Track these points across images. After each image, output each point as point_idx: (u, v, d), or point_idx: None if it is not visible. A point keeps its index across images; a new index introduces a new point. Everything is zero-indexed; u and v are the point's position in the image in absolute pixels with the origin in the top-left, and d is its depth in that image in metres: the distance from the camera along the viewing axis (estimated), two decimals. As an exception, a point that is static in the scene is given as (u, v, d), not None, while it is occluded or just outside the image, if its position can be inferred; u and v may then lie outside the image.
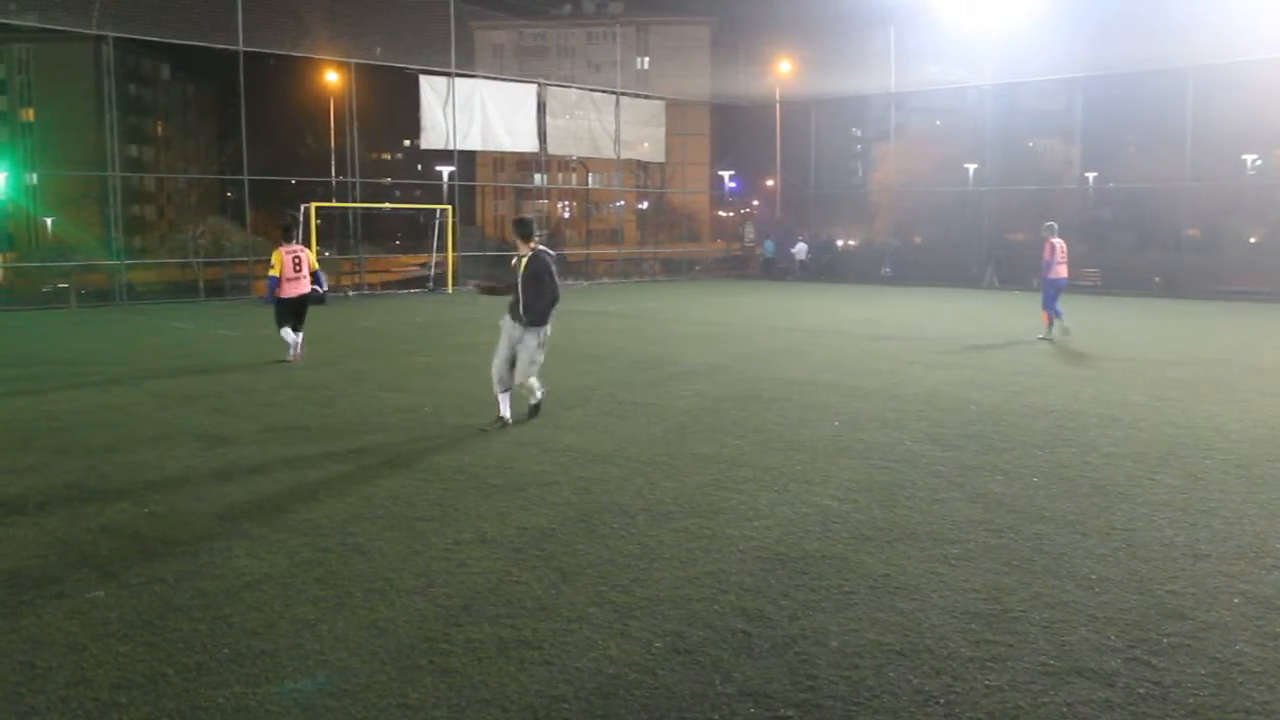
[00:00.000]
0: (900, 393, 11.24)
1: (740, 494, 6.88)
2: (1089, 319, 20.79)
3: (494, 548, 5.71)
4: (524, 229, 9.02)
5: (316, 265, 14.42)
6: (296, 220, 22.83)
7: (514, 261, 8.92)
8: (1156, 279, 30.10)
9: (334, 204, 31.86)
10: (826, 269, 38.54)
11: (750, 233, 45.43)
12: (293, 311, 14.05)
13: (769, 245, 40.88)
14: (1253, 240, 34.04)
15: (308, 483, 7.22)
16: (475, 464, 7.69)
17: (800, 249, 39.19)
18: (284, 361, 13.91)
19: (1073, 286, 28.26)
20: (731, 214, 57.05)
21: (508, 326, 8.97)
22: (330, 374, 12.79)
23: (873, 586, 5.12)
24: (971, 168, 39.82)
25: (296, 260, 13.99)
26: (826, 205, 42.37)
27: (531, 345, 8.91)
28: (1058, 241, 17.26)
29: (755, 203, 54.27)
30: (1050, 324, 17.19)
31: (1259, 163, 37.48)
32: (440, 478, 7.32)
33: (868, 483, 7.20)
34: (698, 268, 42.15)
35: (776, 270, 39.41)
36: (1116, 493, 6.98)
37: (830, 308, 24.30)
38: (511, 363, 9.00)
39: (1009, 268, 30.67)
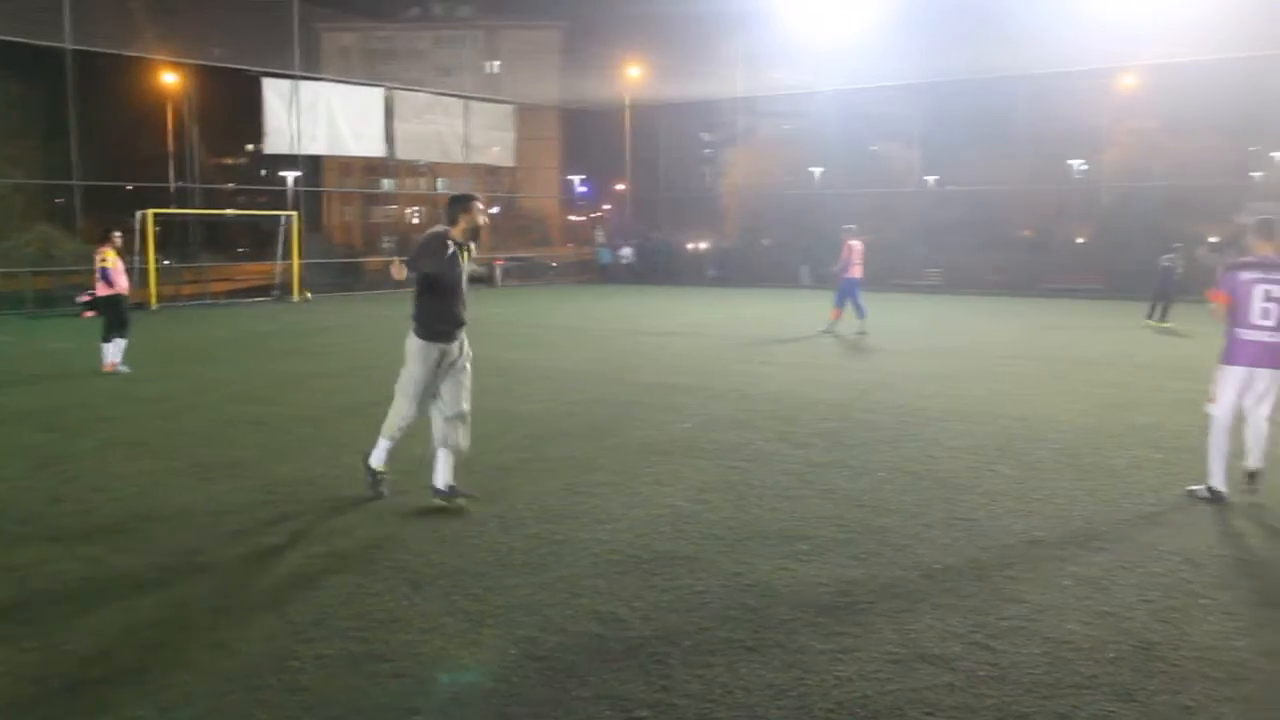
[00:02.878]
0: (751, 392, 11.37)
1: (593, 498, 6.85)
2: (929, 316, 21.64)
3: (345, 560, 5.57)
4: (460, 207, 6.57)
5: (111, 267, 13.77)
6: (126, 226, 21.83)
7: (449, 252, 6.43)
8: (995, 277, 31.44)
9: (173, 210, 30.70)
10: (655, 271, 38.99)
11: (601, 236, 45.64)
12: (121, 317, 13.53)
13: (604, 252, 41.50)
14: (1080, 240, 35.82)
15: (148, 500, 6.89)
16: (324, 476, 7.49)
17: (626, 252, 39.74)
18: (113, 373, 13.28)
19: (915, 286, 29.03)
20: (583, 218, 57.06)
21: (432, 353, 6.51)
22: (173, 385, 12.26)
23: (724, 585, 5.16)
24: (817, 171, 40.71)
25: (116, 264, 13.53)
26: (676, 208, 42.87)
27: (469, 373, 6.74)
28: (855, 243, 18.06)
29: (606, 206, 54.36)
30: (837, 319, 18.10)
31: (1084, 167, 39.45)
32: (289, 492, 7.08)
33: (719, 482, 7.23)
34: (552, 270, 42.05)
35: (613, 273, 39.90)
36: (958, 484, 7.23)
37: (668, 310, 24.75)
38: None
39: (823, 266, 31.81)
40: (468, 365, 6.66)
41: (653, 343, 17.04)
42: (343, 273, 34.11)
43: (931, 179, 41.49)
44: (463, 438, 6.60)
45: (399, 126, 34.36)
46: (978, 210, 34.07)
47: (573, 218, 58.40)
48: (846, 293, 18.02)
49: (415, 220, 61.42)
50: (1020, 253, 33.17)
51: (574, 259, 45.40)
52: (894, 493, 6.97)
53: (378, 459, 6.80)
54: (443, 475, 6.59)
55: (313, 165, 38.09)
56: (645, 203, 43.53)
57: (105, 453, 8.45)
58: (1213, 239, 30.39)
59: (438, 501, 6.56)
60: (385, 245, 49.15)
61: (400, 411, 6.59)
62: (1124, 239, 30.13)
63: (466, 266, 6.56)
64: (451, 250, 6.42)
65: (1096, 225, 35.31)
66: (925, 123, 39.30)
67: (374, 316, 23.11)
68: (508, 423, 9.47)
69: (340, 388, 11.99)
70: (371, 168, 52.15)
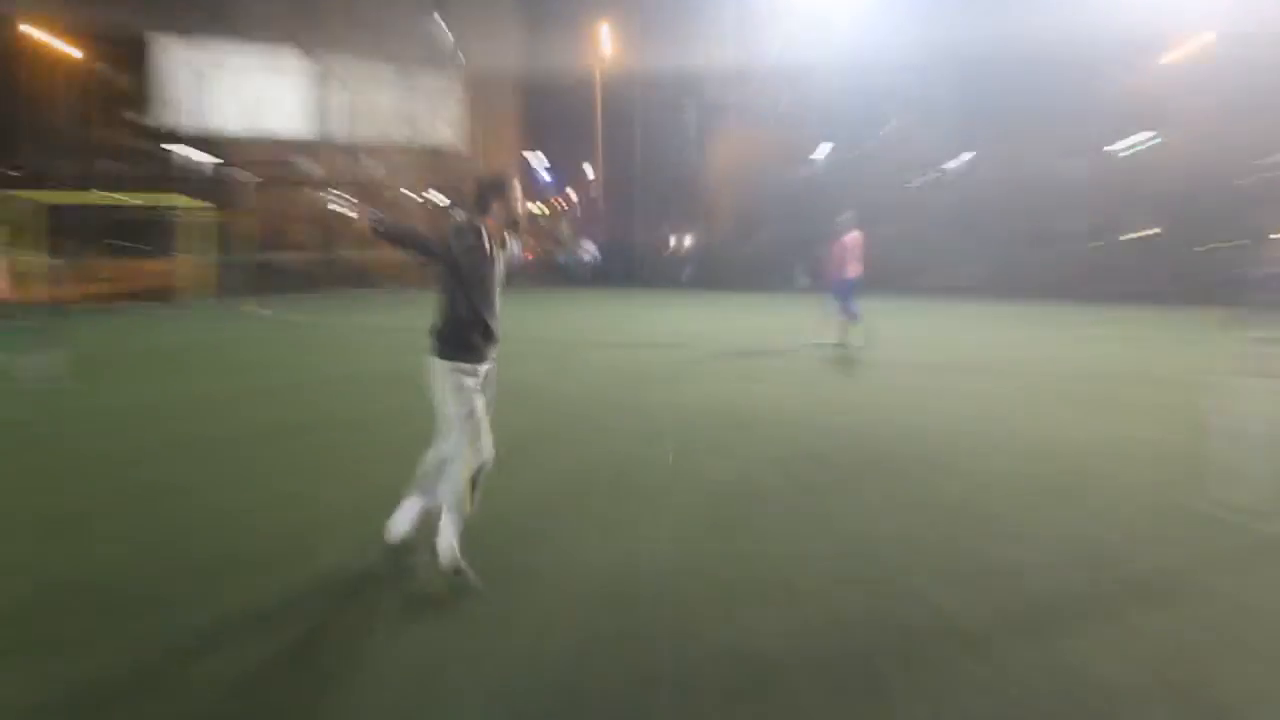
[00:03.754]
0: (743, 416, 11.09)
1: (554, 543, 6.53)
2: (964, 324, 21.42)
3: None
4: (495, 192, 6.02)
5: None
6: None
7: (486, 248, 5.89)
8: (1044, 276, 31.36)
9: (46, 195, 29.97)
10: (626, 273, 38.89)
11: (566, 231, 45.22)
12: None
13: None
14: (1146, 234, 35.79)
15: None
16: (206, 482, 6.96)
17: (589, 250, 39.49)
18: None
19: (947, 289, 28.70)
20: (547, 211, 56.72)
21: (466, 377, 5.93)
22: (37, 412, 11.67)
23: (713, 658, 4.84)
24: (823, 152, 40.47)
25: None
26: (656, 198, 42.61)
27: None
28: (852, 236, 17.75)
29: (574, 198, 53.92)
30: (847, 330, 17.80)
31: (1149, 147, 39.27)
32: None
33: (706, 522, 7.05)
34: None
35: (574, 274, 39.66)
36: (999, 529, 6.84)
37: (637, 319, 24.96)
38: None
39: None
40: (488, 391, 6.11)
41: (621, 358, 16.76)
42: (258, 272, 33.52)
43: (960, 161, 41.18)
44: (467, 496, 5.94)
45: (329, 100, 33.86)
46: (1022, 198, 33.77)
47: (535, 210, 57.99)
48: (846, 293, 17.78)
49: (354, 216, 61.00)
50: (1074, 247, 32.81)
51: (533, 258, 44.91)
52: (920, 540, 6.65)
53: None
54: (448, 539, 5.90)
55: (224, 146, 37.50)
56: (620, 192, 43.23)
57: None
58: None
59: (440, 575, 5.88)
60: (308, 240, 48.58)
61: (467, 462, 5.83)
62: (1198, 232, 29.79)
63: (501, 268, 6.02)
64: (489, 247, 5.85)
65: (1166, 216, 35.17)
66: (955, 95, 38.90)
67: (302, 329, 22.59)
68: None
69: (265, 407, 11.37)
70: (297, 149, 51.34)
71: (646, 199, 42.33)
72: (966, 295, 31.30)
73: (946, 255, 33.64)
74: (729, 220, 41.98)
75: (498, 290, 5.97)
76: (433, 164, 42.60)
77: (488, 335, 5.94)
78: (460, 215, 5.87)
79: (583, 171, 50.60)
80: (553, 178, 53.92)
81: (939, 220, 34.89)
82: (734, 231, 40.96)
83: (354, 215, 5.54)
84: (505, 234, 6.03)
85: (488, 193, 5.94)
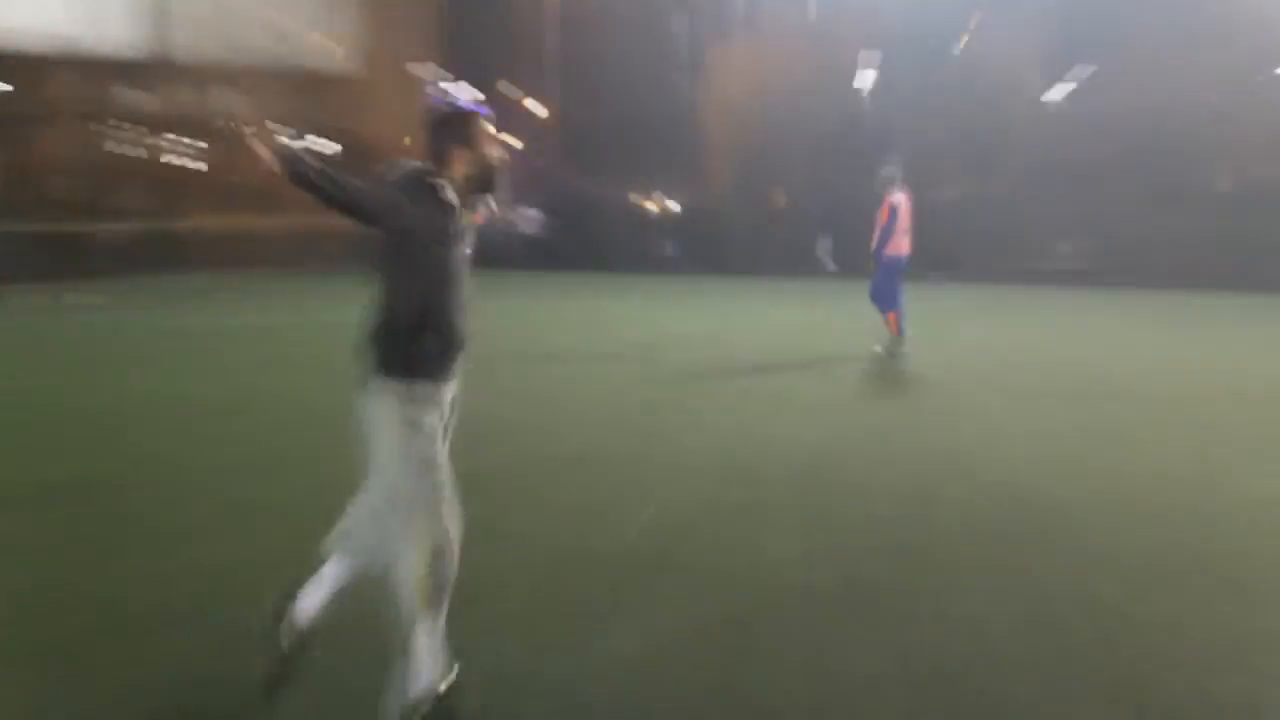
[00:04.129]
0: (755, 464, 10.96)
1: (478, 653, 6.00)
2: (1063, 325, 21.24)
3: None
4: (457, 134, 5.66)
5: None
6: None
7: (449, 210, 5.49)
8: (1176, 258, 31.48)
9: None
10: (587, 249, 39.13)
11: (503, 191, 45.07)
12: None
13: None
14: None
15: None
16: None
17: (531, 219, 39.78)
18: None
19: (1041, 273, 28.23)
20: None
21: (427, 407, 5.52)
22: None
23: None
24: (867, 78, 40.50)
25: None
26: (629, 142, 42.93)
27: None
28: (901, 197, 18.06)
29: (514, 144, 53.17)
30: (898, 332, 18.32)
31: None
32: None
33: (699, 630, 6.75)
34: None
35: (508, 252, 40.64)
36: (1153, 643, 6.48)
37: (595, 317, 26.13)
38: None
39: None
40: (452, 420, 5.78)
41: (567, 377, 16.88)
42: (47, 247, 33.09)
43: (1063, 92, 40.96)
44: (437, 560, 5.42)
45: (165, 3, 33.37)
46: (1145, 143, 33.47)
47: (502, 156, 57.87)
48: (890, 281, 18.17)
49: (197, 161, 60.29)
50: (1220, 217, 32.47)
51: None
52: (1028, 662, 6.26)
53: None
54: (421, 677, 5.40)
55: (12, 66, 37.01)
56: (580, 136, 42.94)
57: None
58: None
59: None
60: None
61: (421, 548, 5.36)
62: None
63: (468, 244, 5.68)
64: (452, 207, 5.48)
65: None
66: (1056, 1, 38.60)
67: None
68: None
69: None
70: (118, 70, 50.63)
71: (617, 146, 42.12)
72: (1067, 282, 31.19)
73: (1039, 227, 33.34)
74: (734, 176, 41.81)
75: (464, 276, 5.66)
76: (312, 96, 42.14)
77: (451, 340, 5.54)
78: (408, 166, 5.55)
79: (526, 107, 50.05)
80: (484, 113, 53.61)
81: (1031, 177, 34.53)
82: (741, 192, 40.69)
83: (259, 150, 4.85)
84: (476, 193, 5.72)
85: (446, 135, 5.61)
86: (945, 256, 32.88)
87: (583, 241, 40.04)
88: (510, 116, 53.61)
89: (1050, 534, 8.69)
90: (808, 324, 22.41)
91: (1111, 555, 8.18)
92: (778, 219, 38.27)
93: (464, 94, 51.88)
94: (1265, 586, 7.51)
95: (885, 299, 18.17)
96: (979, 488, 10.10)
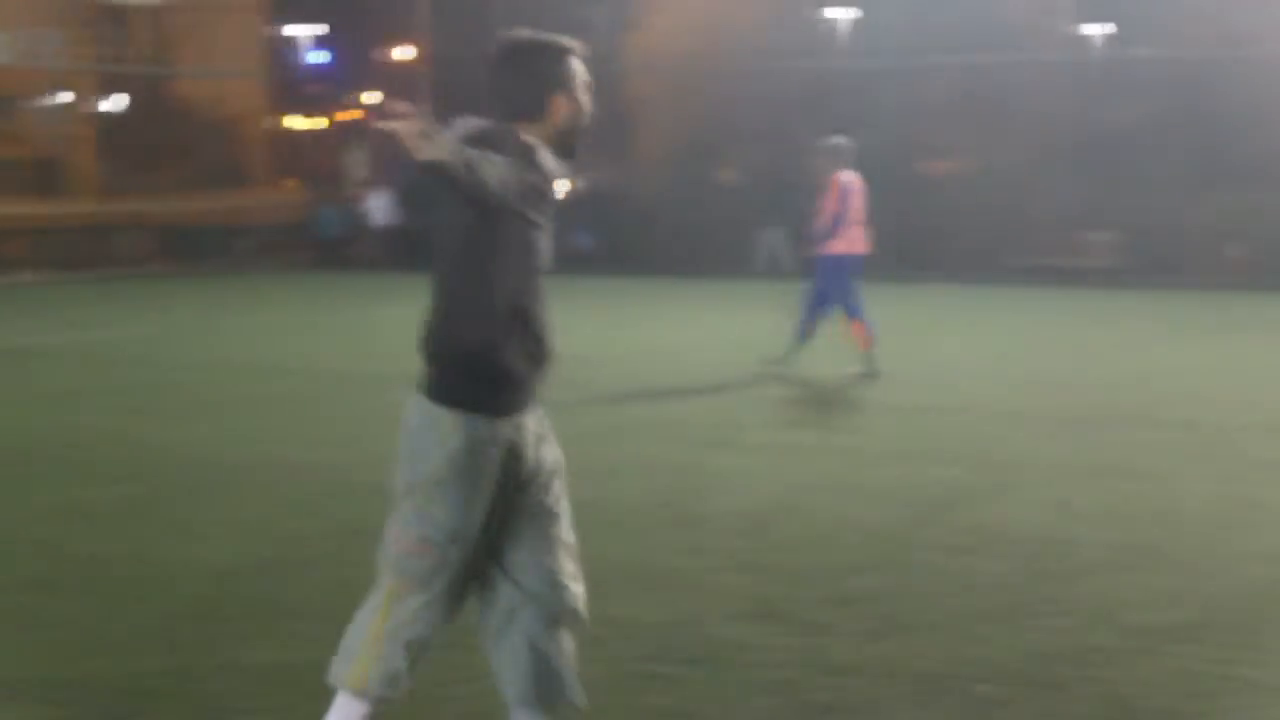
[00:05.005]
0: (696, 510, 11.30)
1: None
2: (1088, 336, 21.63)
3: None
4: (552, 72, 5.47)
5: None
6: None
7: (536, 174, 5.18)
8: (1233, 253, 32.67)
9: None
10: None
11: (360, 166, 44.79)
12: None
13: (326, 215, 43.54)
14: None
15: None
16: None
17: (378, 207, 39.70)
18: None
19: (1066, 270, 28.37)
20: (324, 127, 55.50)
21: (488, 450, 5.31)
22: None
23: None
24: (843, 19, 40.86)
25: None
26: None
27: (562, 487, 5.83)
28: (850, 178, 18.24)
29: (372, 97, 52.57)
30: (869, 345, 18.29)
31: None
32: None
33: None
34: (242, 242, 41.74)
35: (349, 251, 41.44)
36: None
37: None
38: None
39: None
40: (559, 469, 5.65)
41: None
42: None
43: (1096, 35, 41.31)
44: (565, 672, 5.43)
45: None
46: (1192, 101, 33.60)
47: (297, 126, 56.66)
48: (837, 282, 18.28)
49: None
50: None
51: (288, 216, 44.53)
52: None
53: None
54: None
55: None
56: (460, 93, 42.71)
57: None
58: None
59: None
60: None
61: (396, 613, 5.31)
62: None
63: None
64: (550, 179, 5.24)
65: None
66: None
67: None
68: (161, 587, 9.32)
69: None
70: None
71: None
72: (1095, 282, 31.27)
73: (1056, 210, 33.33)
74: (667, 151, 41.54)
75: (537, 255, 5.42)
76: (95, 33, 41.69)
77: (540, 358, 5.36)
78: (481, 124, 5.30)
79: (388, 54, 49.74)
80: (332, 65, 53.02)
81: (1048, 147, 34.50)
82: (677, 171, 40.53)
83: (415, 144, 4.67)
84: (561, 159, 5.36)
85: (535, 76, 5.37)
86: (937, 248, 32.91)
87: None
88: (363, 63, 53.09)
89: (1037, 576, 9.08)
90: (742, 335, 22.37)
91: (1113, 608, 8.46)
92: (723, 203, 38.13)
93: (301, 36, 51.61)
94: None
95: (848, 305, 18.19)
96: (962, 527, 10.47)
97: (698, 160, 40.98)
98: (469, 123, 5.24)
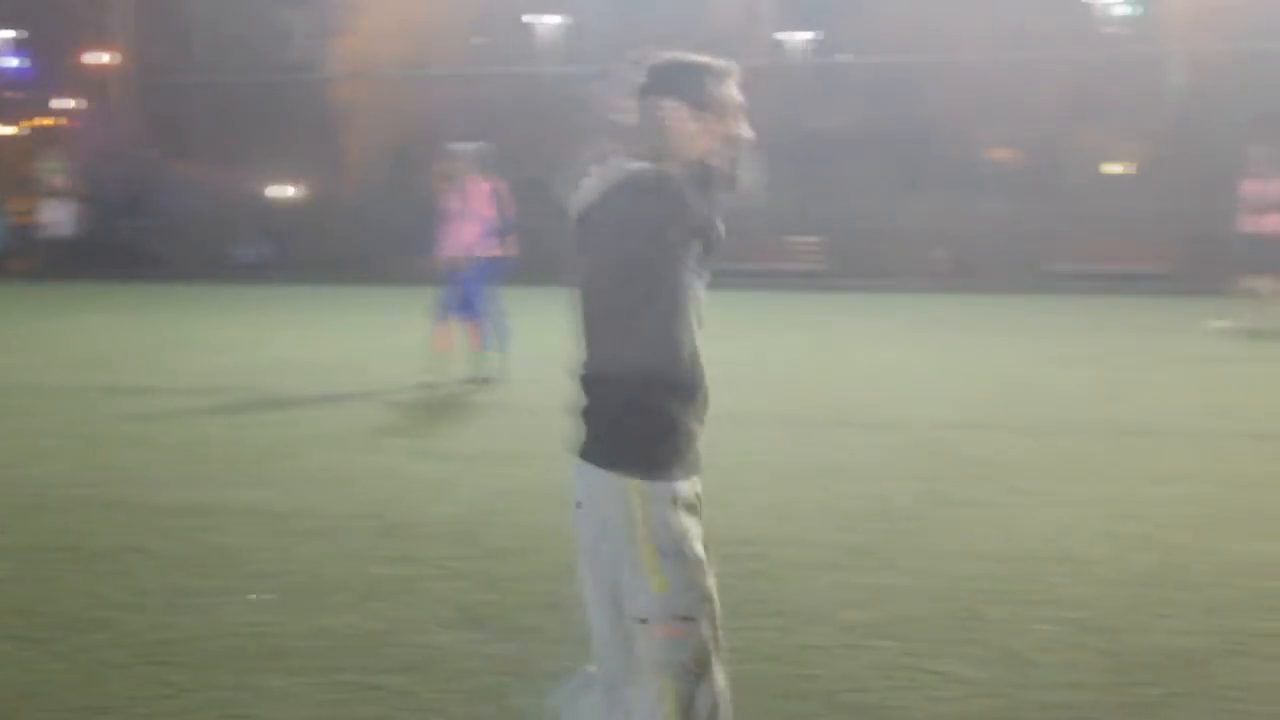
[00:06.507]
0: (405, 518, 11.07)
1: None
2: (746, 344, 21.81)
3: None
4: (704, 91, 5.02)
5: None
6: None
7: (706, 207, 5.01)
8: (941, 257, 33.31)
9: None
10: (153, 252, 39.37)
11: (55, 174, 43.90)
12: None
13: None
14: (1118, 171, 37.29)
15: None
16: None
17: (58, 219, 39.45)
18: None
19: (766, 274, 28.56)
20: (15, 130, 54.18)
21: (691, 520, 5.11)
22: None
23: None
24: (549, 24, 40.52)
25: None
26: (236, 113, 42.66)
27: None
28: (493, 184, 18.63)
29: (71, 103, 51.61)
30: (479, 345, 18.69)
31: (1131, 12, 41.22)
32: None
33: None
34: None
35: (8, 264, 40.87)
36: None
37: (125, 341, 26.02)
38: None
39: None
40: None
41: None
42: None
43: (801, 41, 41.96)
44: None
45: None
46: (896, 107, 34.21)
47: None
48: (474, 289, 18.51)
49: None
50: (1011, 203, 33.59)
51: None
52: None
53: None
54: None
55: None
56: (161, 99, 42.14)
57: None
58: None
59: None
60: None
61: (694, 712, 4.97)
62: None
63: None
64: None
65: (1155, 147, 36.47)
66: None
67: None
68: None
69: None
70: None
71: (212, 111, 41.38)
72: (802, 285, 31.70)
73: (762, 215, 33.73)
74: (373, 157, 41.33)
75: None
76: None
77: (704, 406, 5.07)
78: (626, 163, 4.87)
79: (86, 59, 48.87)
80: (28, 70, 51.96)
81: (754, 152, 34.85)
82: (380, 177, 40.35)
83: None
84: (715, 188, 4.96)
85: (672, 96, 4.88)
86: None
87: (160, 240, 39.29)
88: (61, 68, 51.93)
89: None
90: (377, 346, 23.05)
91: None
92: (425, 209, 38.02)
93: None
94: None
95: (467, 308, 18.37)
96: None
97: (403, 166, 40.85)
98: (620, 163, 4.85)
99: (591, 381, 4.94)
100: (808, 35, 43.51)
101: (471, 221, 17.98)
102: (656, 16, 37.64)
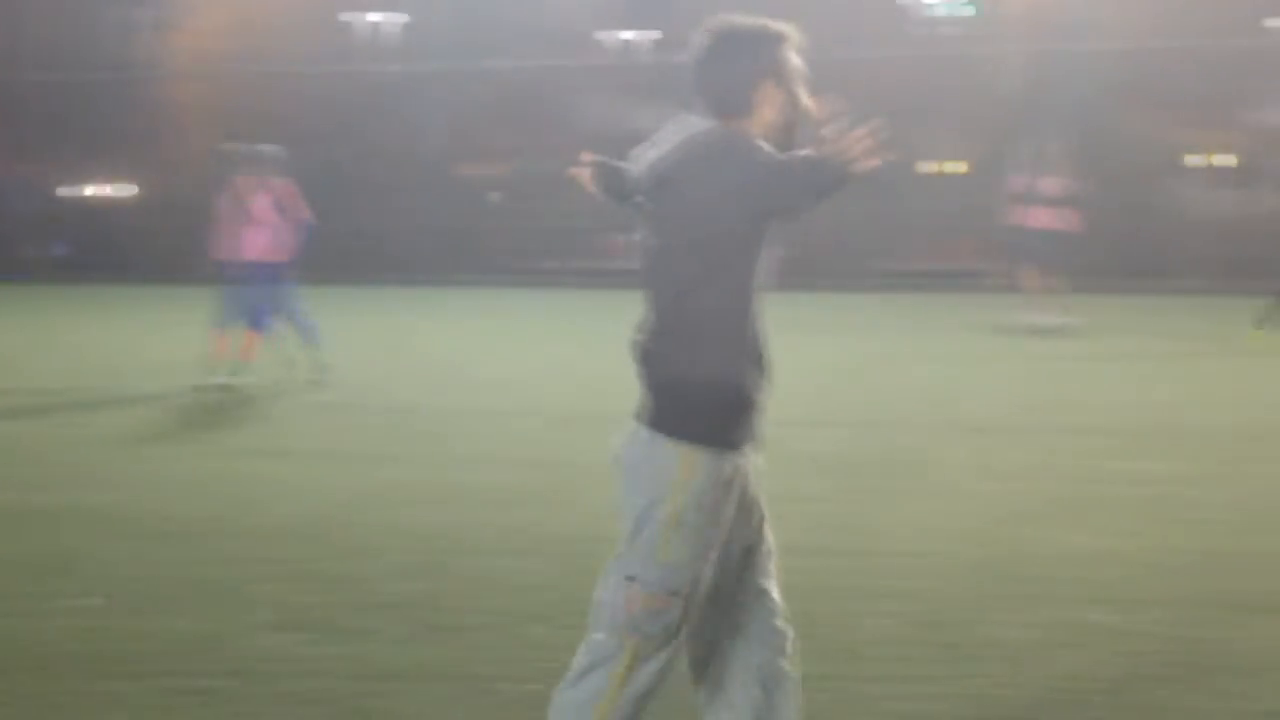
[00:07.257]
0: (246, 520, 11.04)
1: None
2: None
3: None
4: (765, 58, 5.06)
5: None
6: None
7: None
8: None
9: None
10: None
11: None
12: None
13: None
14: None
15: None
16: None
17: None
18: None
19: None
20: None
21: (729, 489, 5.09)
22: None
23: None
24: (382, 22, 40.57)
25: None
26: (64, 113, 42.19)
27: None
28: (271, 185, 18.57)
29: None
30: (251, 349, 18.44)
31: None
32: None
33: None
34: None
35: None
36: None
37: None
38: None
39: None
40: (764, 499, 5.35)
41: None
42: None
43: (643, 40, 42.39)
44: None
45: None
46: None
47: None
48: (261, 294, 18.32)
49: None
50: (839, 201, 34.38)
51: None
52: None
53: None
54: None
55: None
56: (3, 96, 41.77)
57: None
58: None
59: None
60: None
61: (639, 677, 5.05)
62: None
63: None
64: None
65: (985, 146, 37.49)
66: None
67: None
68: None
69: None
70: None
71: (47, 112, 41.02)
72: (628, 284, 32.05)
73: (594, 214, 34.04)
74: (200, 156, 41.19)
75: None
76: None
77: (768, 377, 5.12)
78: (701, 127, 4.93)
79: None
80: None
81: (592, 151, 35.13)
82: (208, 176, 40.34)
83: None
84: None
85: (745, 63, 4.97)
86: (475, 250, 33.29)
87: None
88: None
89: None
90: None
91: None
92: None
93: None
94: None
95: (248, 314, 18.07)
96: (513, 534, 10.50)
97: (224, 165, 40.54)
98: (689, 122, 4.96)
99: (656, 344, 4.98)
100: (650, 35, 43.53)
101: (253, 225, 17.85)
102: (498, 15, 37.65)
